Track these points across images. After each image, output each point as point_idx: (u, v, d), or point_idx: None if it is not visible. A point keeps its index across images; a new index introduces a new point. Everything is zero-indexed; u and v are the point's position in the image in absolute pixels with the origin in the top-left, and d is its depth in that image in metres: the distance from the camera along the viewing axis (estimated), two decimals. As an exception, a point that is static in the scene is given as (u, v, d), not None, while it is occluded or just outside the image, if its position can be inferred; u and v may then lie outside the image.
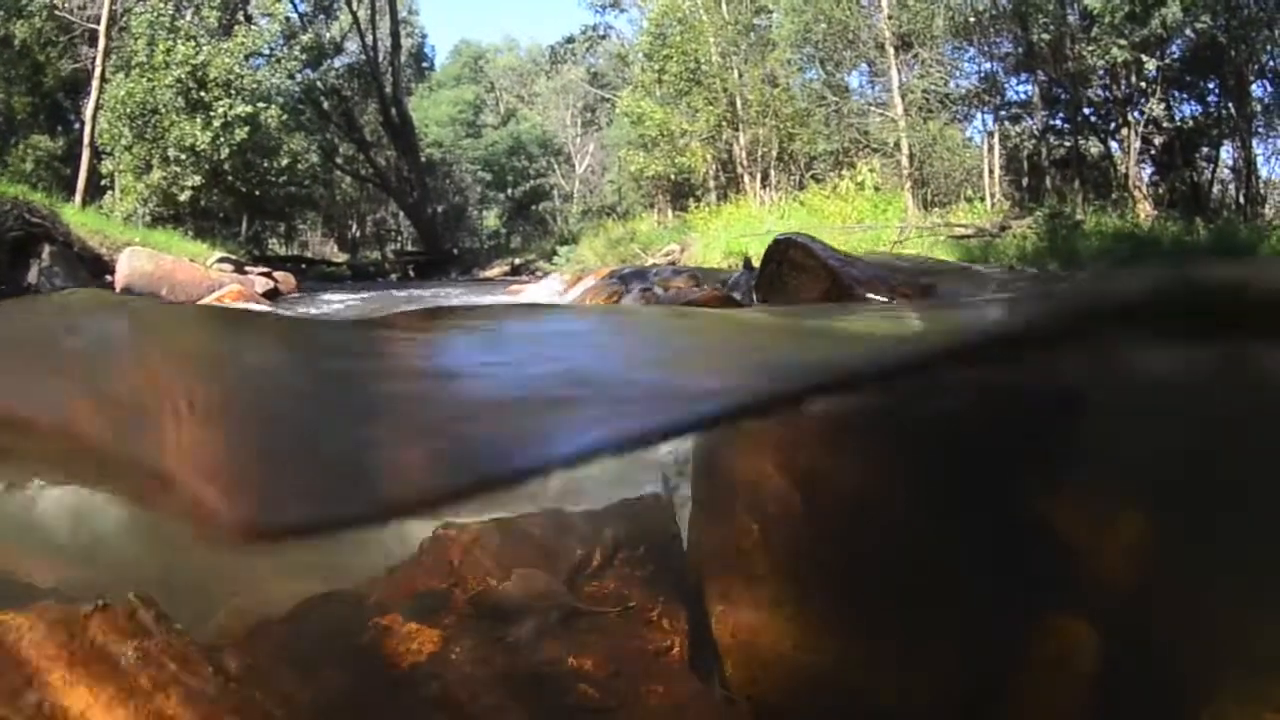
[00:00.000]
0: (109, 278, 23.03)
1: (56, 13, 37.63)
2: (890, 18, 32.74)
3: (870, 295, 8.01)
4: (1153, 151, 29.03)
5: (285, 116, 39.86)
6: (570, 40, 63.50)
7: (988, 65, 32.78)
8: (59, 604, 2.62)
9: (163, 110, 33.90)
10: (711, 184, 41.05)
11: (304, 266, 43.14)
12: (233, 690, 2.47)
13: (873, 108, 35.46)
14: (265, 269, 30.35)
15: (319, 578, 3.14)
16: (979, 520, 2.94)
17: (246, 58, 37.12)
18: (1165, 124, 28.21)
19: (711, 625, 2.94)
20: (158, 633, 2.54)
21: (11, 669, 2.50)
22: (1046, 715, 2.94)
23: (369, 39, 51.18)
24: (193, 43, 34.74)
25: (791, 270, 8.56)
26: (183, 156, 33.88)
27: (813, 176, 36.76)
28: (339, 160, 54.22)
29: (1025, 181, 31.98)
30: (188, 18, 36.33)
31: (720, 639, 2.92)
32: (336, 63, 53.25)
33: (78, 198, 32.35)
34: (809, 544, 3.02)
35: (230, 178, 35.93)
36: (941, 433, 2.96)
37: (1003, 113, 32.91)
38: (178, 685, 2.47)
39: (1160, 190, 28.63)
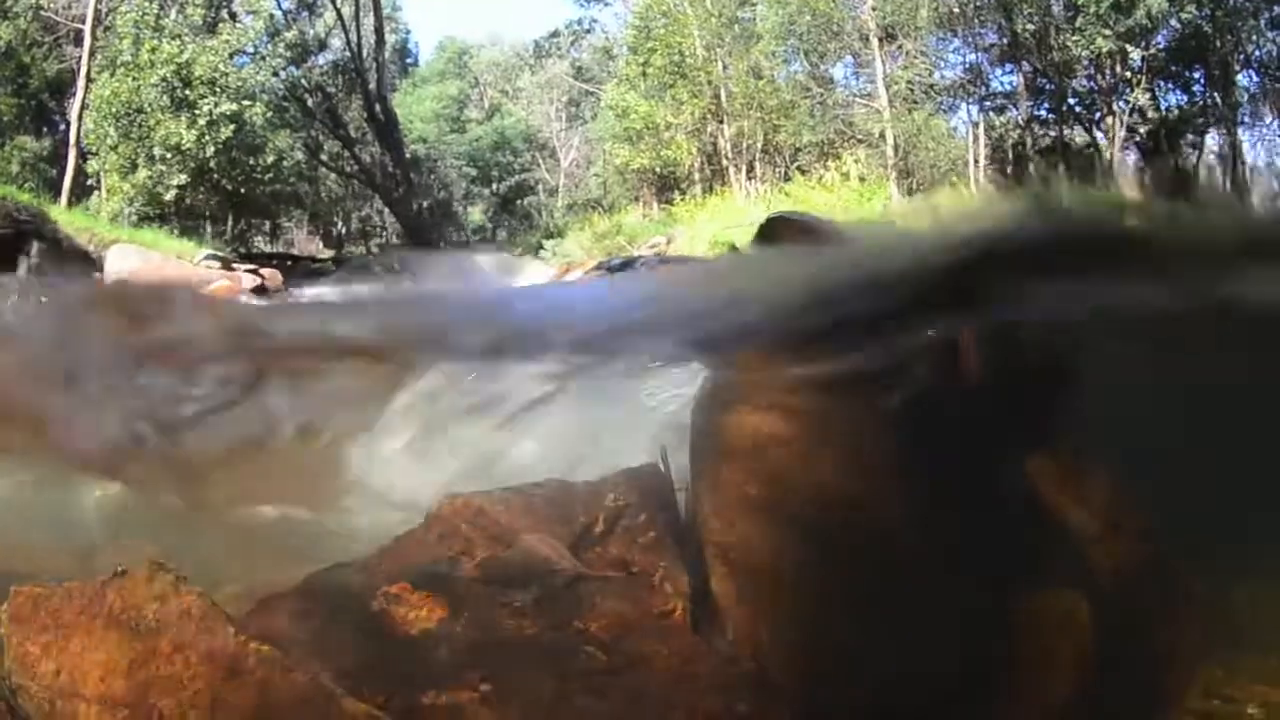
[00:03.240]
0: (97, 275, 23.05)
1: (42, 13, 37.54)
2: (874, 9, 32.79)
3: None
4: (1138, 140, 29.12)
5: (270, 114, 39.75)
6: (555, 34, 63.38)
7: (972, 56, 32.86)
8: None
9: (148, 109, 33.78)
10: (696, 176, 40.99)
11: (290, 263, 43.05)
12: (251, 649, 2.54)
13: (857, 99, 35.49)
14: (252, 266, 30.28)
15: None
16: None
17: (231, 55, 36.97)
18: (1150, 113, 28.30)
19: (713, 587, 3.01)
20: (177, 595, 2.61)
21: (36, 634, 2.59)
22: (1042, 685, 3.00)
23: (353, 36, 50.92)
24: (177, 41, 34.61)
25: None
26: (168, 155, 33.75)
27: (798, 168, 36.72)
28: (324, 157, 53.99)
29: (1010, 170, 32.03)
30: (172, 16, 36.20)
31: (722, 601, 2.99)
32: (321, 59, 53.00)
33: (64, 197, 32.27)
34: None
35: (216, 176, 35.79)
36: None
37: (987, 103, 32.99)
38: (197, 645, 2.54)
39: (1145, 178, 28.69)
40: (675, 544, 3.20)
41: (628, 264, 21.61)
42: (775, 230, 7.81)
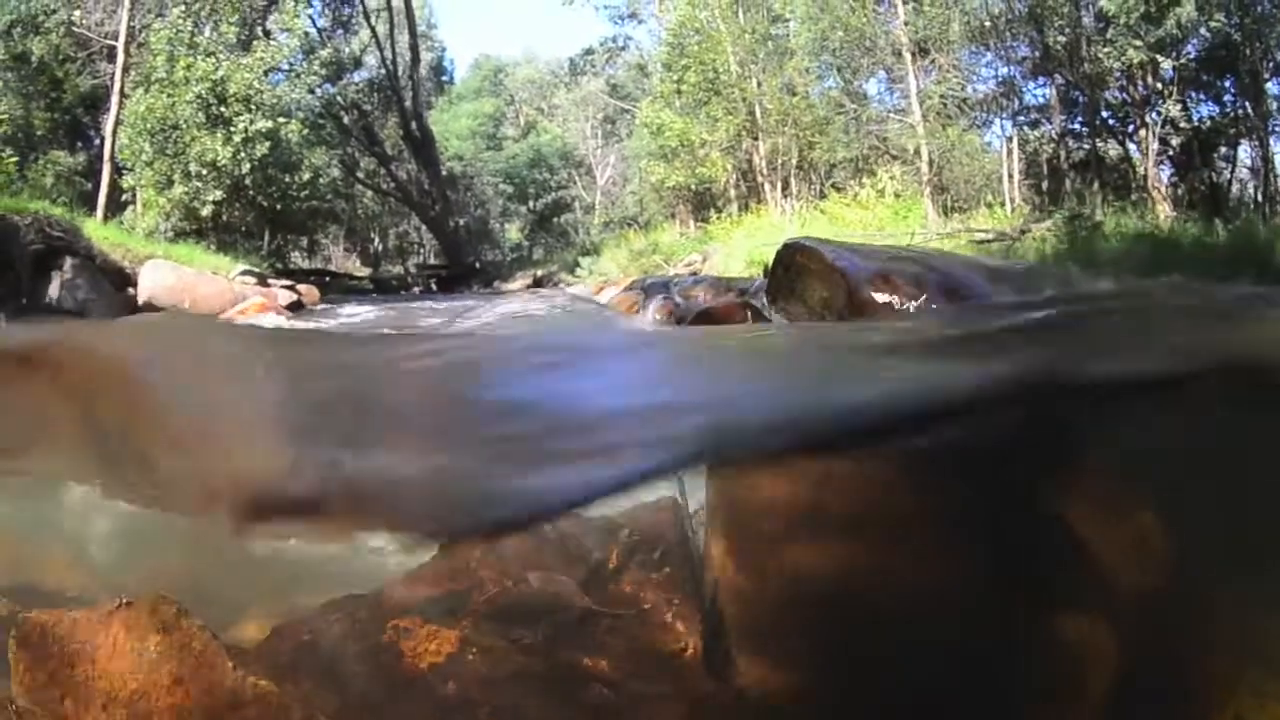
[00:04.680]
0: (132, 291, 23.17)
1: (74, 29, 37.84)
2: (906, 24, 32.75)
3: (878, 296, 7.96)
4: (1171, 152, 29.01)
5: (306, 131, 39.86)
6: (589, 52, 63.62)
7: (1005, 69, 32.80)
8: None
9: (183, 126, 33.92)
10: (732, 193, 41.04)
11: (327, 280, 43.27)
12: (252, 685, 2.54)
13: (891, 115, 35.44)
14: (288, 282, 30.38)
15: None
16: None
17: (266, 73, 37.07)
18: (1183, 124, 28.19)
19: (726, 625, 2.99)
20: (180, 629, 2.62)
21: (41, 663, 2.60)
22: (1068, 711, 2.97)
23: (388, 53, 51.38)
24: (212, 59, 34.78)
25: (800, 274, 8.60)
26: (204, 171, 33.87)
27: (833, 185, 36.71)
28: (360, 174, 54.42)
29: (1045, 185, 31.96)
30: (207, 33, 36.40)
31: (735, 640, 2.96)
32: (356, 77, 53.48)
33: (99, 212, 32.41)
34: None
35: (252, 192, 35.88)
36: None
37: (1021, 117, 32.92)
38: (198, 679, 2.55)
39: (1179, 191, 28.61)
40: (690, 580, 3.19)
41: (664, 283, 21.60)
42: (791, 257, 7.78)
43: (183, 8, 35.92)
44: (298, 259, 49.99)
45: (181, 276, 24.21)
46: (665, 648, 3.01)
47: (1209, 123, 28.56)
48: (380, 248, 63.67)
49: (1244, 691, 3.02)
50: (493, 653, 2.92)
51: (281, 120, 36.35)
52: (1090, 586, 3.09)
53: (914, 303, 7.80)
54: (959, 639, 2.94)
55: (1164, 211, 26.82)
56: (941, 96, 32.94)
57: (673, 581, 3.21)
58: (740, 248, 29.98)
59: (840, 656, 2.94)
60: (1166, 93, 28.00)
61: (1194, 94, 28.63)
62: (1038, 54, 30.83)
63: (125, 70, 35.01)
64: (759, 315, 9.76)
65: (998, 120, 33.59)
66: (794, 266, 8.98)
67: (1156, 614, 3.13)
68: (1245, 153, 28.67)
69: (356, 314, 25.77)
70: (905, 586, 2.98)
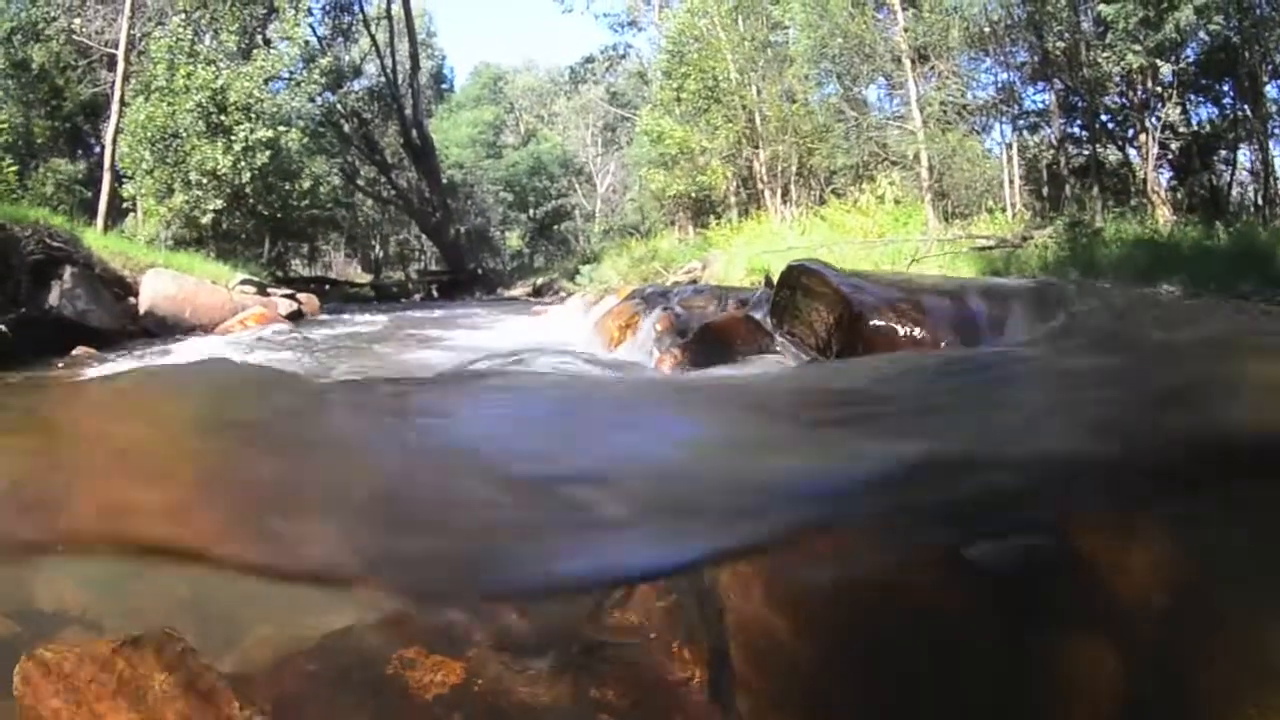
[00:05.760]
0: (132, 300, 23.09)
1: (74, 37, 37.86)
2: (906, 30, 32.66)
3: (879, 323, 7.92)
4: (1170, 156, 28.95)
5: (306, 139, 39.80)
6: (589, 60, 63.71)
7: (1004, 75, 32.75)
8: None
9: (184, 134, 33.84)
10: (732, 200, 40.98)
11: (327, 287, 43.33)
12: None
13: (891, 121, 35.31)
14: (288, 291, 30.30)
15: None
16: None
17: (266, 81, 36.97)
18: (1182, 128, 28.14)
19: (731, 656, 2.98)
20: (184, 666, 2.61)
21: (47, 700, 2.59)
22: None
23: (388, 62, 51.45)
24: (212, 67, 34.73)
25: (805, 296, 8.58)
26: (204, 180, 33.78)
27: (833, 191, 36.61)
28: (361, 182, 54.44)
29: (1045, 190, 31.91)
30: (207, 42, 36.37)
31: (740, 670, 2.96)
32: (356, 85, 53.55)
33: (99, 221, 32.34)
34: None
35: (252, 201, 35.79)
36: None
37: (1021, 122, 32.86)
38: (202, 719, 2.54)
39: (1179, 195, 28.54)
40: (696, 609, 3.17)
41: (664, 292, 21.50)
42: (796, 278, 7.76)
43: (183, 16, 35.97)
44: (298, 266, 50.03)
45: (182, 286, 24.11)
46: (670, 676, 3.01)
47: (1209, 126, 28.52)
48: (381, 254, 63.73)
49: (1246, 703, 3.01)
50: (498, 682, 2.92)
51: (282, 129, 36.32)
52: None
53: (918, 331, 7.78)
54: (959, 667, 2.94)
55: (1163, 216, 26.75)
56: (941, 103, 32.86)
57: (678, 610, 3.21)
58: (740, 255, 29.89)
59: (841, 691, 2.94)
60: (1166, 97, 27.96)
61: (1193, 98, 28.59)
62: (1037, 59, 30.79)
63: (125, 78, 34.96)
64: (762, 331, 9.73)
65: (998, 126, 33.57)
66: (798, 288, 8.95)
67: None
68: (1245, 156, 28.61)
69: (358, 325, 25.66)
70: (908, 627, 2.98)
